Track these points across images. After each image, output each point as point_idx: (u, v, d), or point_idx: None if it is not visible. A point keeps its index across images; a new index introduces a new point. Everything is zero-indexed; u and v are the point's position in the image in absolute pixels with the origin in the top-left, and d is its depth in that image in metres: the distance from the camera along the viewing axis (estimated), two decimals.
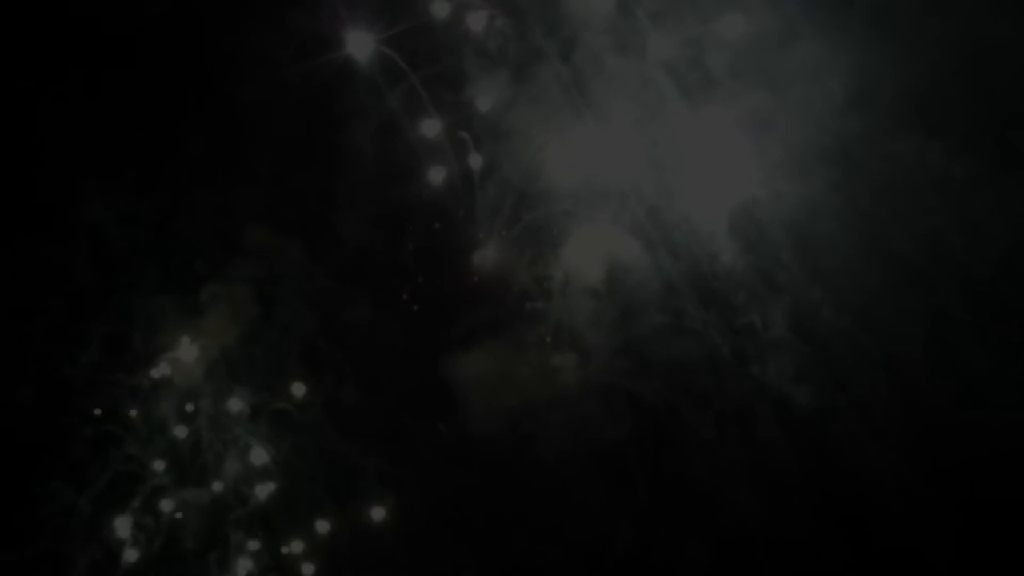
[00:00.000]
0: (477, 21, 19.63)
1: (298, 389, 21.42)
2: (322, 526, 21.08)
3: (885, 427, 20.56)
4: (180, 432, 21.41)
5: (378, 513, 21.03)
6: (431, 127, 20.16)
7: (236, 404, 21.42)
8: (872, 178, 20.43)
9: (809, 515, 20.53)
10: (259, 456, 21.30)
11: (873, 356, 20.56)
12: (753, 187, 19.97)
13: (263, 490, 21.33)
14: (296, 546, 21.12)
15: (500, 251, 20.56)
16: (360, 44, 19.73)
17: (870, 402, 20.58)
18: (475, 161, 20.30)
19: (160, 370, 21.39)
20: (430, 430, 21.19)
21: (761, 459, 20.78)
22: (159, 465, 21.35)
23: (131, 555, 21.06)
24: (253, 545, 21.13)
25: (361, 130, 20.47)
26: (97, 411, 21.17)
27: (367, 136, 20.52)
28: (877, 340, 20.50)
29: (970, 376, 19.98)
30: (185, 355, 21.33)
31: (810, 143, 19.97)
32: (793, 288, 20.51)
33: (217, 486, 21.33)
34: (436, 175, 20.60)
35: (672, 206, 20.17)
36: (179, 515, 21.20)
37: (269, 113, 20.84)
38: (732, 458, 20.83)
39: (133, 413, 21.34)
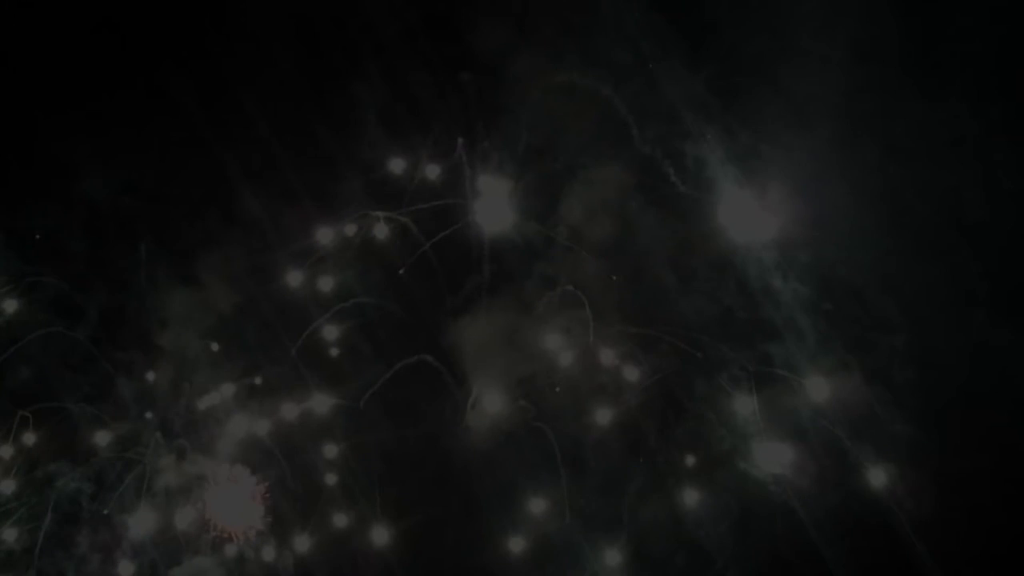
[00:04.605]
0: None
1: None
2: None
3: (901, 391, 20.05)
4: (173, 407, 20.90)
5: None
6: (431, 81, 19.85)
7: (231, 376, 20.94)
8: (885, 137, 20.07)
9: (826, 483, 19.99)
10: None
11: (890, 319, 20.12)
12: (762, 141, 19.59)
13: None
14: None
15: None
16: None
17: (887, 366, 20.10)
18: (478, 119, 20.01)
19: (153, 344, 20.92)
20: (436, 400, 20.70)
21: (777, 424, 20.23)
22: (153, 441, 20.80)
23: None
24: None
25: (360, 87, 20.17)
26: None
27: (366, 93, 20.20)
28: (894, 303, 20.05)
29: (986, 339, 19.58)
30: (179, 327, 20.87)
31: (819, 98, 19.61)
32: (808, 251, 20.05)
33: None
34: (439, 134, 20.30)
35: (681, 162, 19.79)
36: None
37: (264, 76, 20.52)
38: (746, 424, 20.30)
39: (126, 390, 20.84)
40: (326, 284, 20.94)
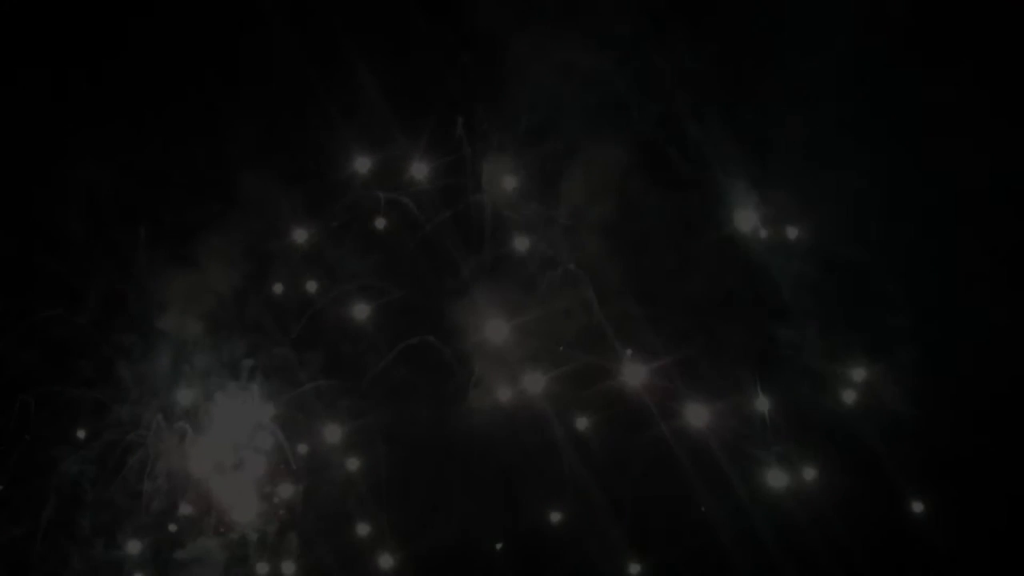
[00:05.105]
0: None
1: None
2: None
3: (903, 367, 19.97)
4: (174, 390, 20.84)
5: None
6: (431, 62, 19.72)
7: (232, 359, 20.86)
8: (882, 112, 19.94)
9: (827, 462, 19.91)
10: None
11: (892, 296, 20.04)
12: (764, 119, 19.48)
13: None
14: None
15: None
16: None
17: (889, 343, 20.02)
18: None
19: (154, 327, 20.82)
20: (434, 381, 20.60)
21: (779, 406, 20.14)
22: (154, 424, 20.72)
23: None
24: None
25: (359, 68, 19.98)
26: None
27: (366, 74, 20.02)
28: (896, 280, 19.96)
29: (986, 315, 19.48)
30: (179, 310, 20.78)
31: (822, 76, 19.47)
32: (811, 229, 19.93)
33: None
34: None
35: (682, 141, 19.66)
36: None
37: (263, 57, 20.35)
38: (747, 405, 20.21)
39: (126, 373, 20.75)
40: (327, 265, 20.81)
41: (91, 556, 20.27)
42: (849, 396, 19.90)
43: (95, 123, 20.64)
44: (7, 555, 20.29)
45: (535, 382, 20.04)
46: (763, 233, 19.92)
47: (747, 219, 19.85)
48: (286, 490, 20.57)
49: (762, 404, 19.90)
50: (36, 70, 20.92)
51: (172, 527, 20.39)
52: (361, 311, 20.75)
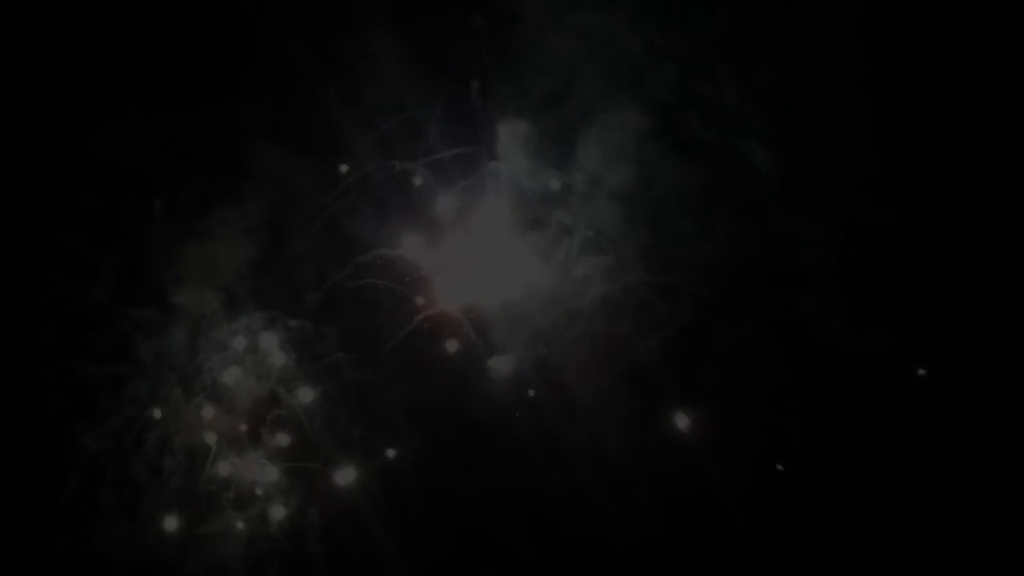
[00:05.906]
0: None
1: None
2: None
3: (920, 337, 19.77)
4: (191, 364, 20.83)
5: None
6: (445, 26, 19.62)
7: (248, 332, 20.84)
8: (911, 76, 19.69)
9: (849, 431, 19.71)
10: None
11: (915, 265, 19.84)
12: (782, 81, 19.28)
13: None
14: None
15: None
16: None
17: (907, 316, 19.82)
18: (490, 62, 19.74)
19: (170, 301, 20.80)
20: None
21: (798, 375, 20.00)
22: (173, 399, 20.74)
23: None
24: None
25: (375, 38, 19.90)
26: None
27: (379, 41, 19.92)
28: (921, 246, 19.74)
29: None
30: (196, 283, 20.77)
31: (841, 36, 19.25)
32: (831, 194, 19.73)
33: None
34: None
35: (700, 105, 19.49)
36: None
37: (279, 26, 20.27)
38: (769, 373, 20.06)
39: (143, 348, 20.73)
40: (343, 237, 20.76)
41: (113, 532, 20.32)
42: (870, 363, 19.69)
43: (110, 95, 20.54)
44: (29, 532, 20.38)
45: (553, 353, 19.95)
46: (782, 197, 19.77)
47: (765, 183, 19.69)
48: (307, 464, 20.60)
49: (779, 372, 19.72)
50: (49, 44, 20.83)
51: (193, 502, 20.46)
52: (376, 284, 20.70)
